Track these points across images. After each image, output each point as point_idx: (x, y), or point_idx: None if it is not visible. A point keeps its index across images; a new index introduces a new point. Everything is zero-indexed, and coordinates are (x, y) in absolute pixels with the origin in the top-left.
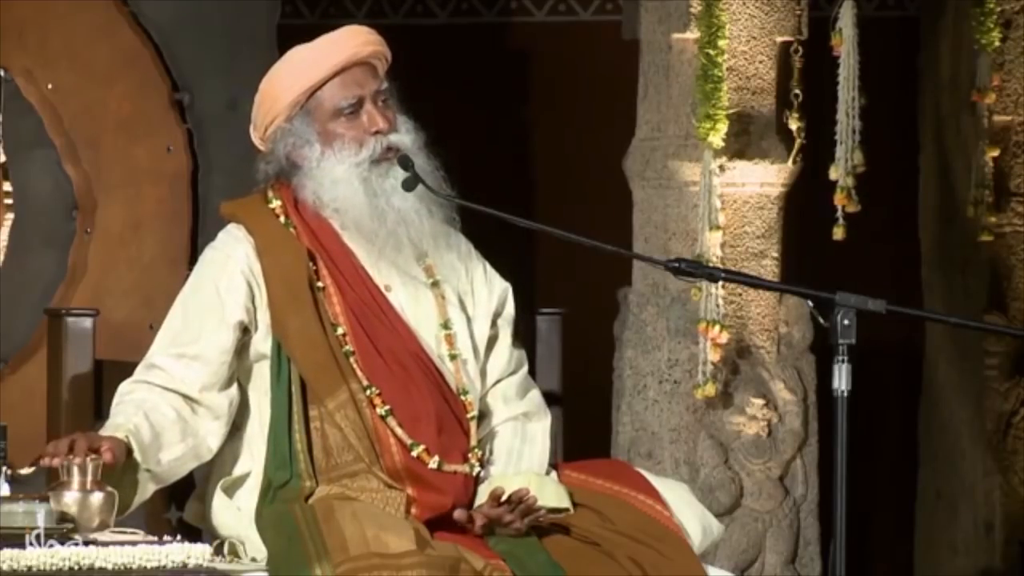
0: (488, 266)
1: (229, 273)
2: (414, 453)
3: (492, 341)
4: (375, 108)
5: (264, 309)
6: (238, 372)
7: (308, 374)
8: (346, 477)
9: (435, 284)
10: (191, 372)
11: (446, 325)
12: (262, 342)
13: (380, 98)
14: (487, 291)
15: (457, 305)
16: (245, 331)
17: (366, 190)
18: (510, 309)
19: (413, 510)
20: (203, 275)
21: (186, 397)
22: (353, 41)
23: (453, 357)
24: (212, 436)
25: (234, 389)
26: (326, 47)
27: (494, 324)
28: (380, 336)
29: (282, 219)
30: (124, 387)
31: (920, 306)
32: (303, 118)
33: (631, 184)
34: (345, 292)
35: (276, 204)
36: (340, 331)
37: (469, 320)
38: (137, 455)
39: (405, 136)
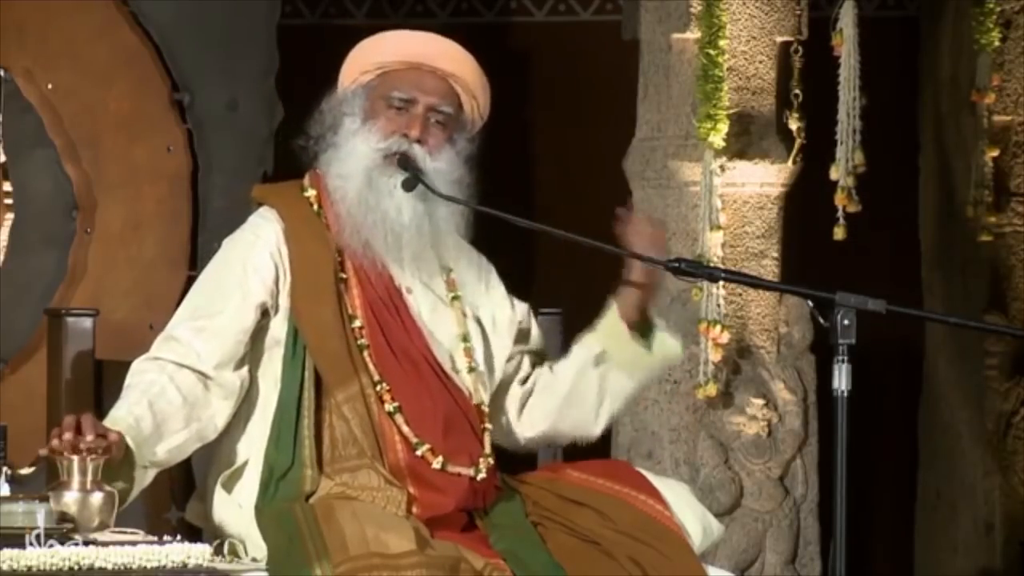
0: (505, 289)
1: (257, 253)
2: (418, 452)
3: (521, 350)
4: (422, 118)
5: (286, 294)
6: (250, 357)
7: (322, 363)
8: (347, 472)
9: (456, 298)
10: (209, 346)
11: (465, 338)
12: (279, 326)
13: (436, 116)
14: (511, 309)
15: (475, 321)
16: (264, 314)
17: (365, 179)
18: (535, 328)
19: (414, 509)
20: (231, 253)
21: (200, 374)
22: (443, 52)
23: (472, 370)
24: (220, 416)
25: (245, 371)
26: (417, 40)
27: (523, 338)
28: (394, 334)
29: (315, 207)
30: (137, 365)
31: (920, 306)
32: (363, 92)
33: (631, 184)
34: (365, 287)
35: (311, 193)
36: (357, 323)
37: (486, 337)
38: (134, 452)
39: (432, 160)
